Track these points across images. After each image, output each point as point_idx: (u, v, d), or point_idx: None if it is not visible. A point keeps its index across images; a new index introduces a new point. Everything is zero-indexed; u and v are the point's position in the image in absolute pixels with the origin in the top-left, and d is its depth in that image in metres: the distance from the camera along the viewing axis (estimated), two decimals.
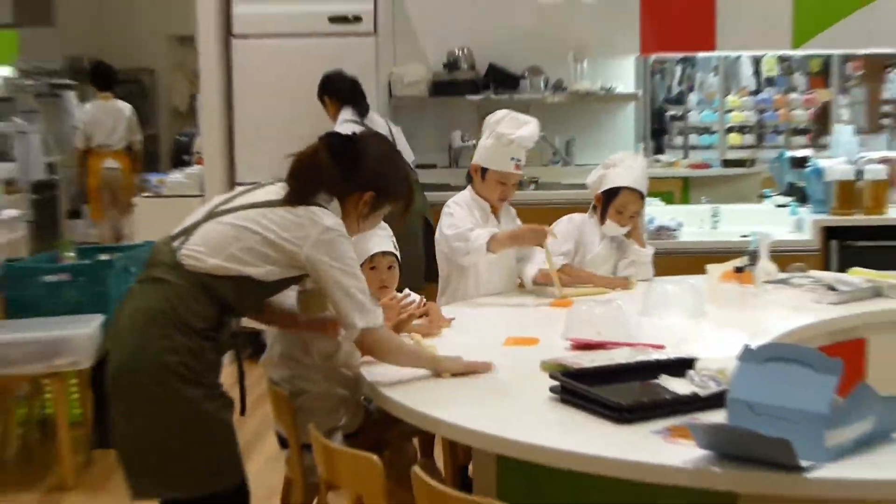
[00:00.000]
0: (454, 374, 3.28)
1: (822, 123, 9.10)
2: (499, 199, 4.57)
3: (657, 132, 8.97)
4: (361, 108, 6.45)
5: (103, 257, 5.64)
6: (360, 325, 3.18)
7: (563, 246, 4.67)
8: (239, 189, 3.39)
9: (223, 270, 3.12)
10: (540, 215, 5.02)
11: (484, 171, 4.50)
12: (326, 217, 3.18)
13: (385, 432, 3.60)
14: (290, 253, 3.14)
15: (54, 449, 5.18)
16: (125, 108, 10.09)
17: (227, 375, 3.27)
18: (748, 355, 2.61)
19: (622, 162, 4.85)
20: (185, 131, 10.40)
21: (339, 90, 6.52)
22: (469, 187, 4.59)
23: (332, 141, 3.36)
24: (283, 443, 3.74)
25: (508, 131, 4.43)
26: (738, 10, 6.60)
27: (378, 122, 6.48)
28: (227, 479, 3.20)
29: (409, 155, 6.51)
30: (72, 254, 5.61)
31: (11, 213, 5.77)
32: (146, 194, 7.56)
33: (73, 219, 10.19)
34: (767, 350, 2.61)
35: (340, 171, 3.28)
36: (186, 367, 3.07)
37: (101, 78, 10.10)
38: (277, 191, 3.24)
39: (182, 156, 9.01)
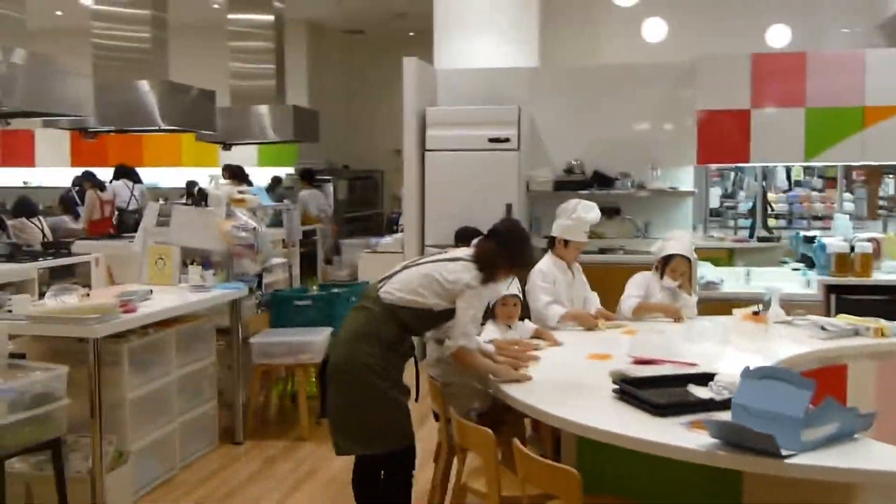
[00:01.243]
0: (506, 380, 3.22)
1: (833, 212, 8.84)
2: (574, 260, 4.51)
3: (715, 215, 8.75)
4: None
5: (336, 290, 5.71)
6: (461, 343, 3.23)
7: (637, 291, 4.57)
8: (427, 253, 3.51)
9: (405, 302, 3.24)
10: (625, 272, 4.92)
11: (566, 242, 4.42)
12: (476, 271, 3.25)
13: (505, 414, 3.51)
14: (451, 291, 3.22)
15: (297, 413, 5.26)
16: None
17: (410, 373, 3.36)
18: (748, 373, 2.50)
19: (675, 236, 4.71)
20: (396, 210, 10.55)
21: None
22: (550, 253, 4.49)
23: (498, 234, 3.37)
24: (437, 417, 3.71)
25: (584, 214, 4.36)
26: (765, 133, 6.38)
27: None
28: (402, 440, 3.27)
29: None
30: (315, 288, 5.70)
31: (280, 260, 5.90)
32: (368, 250, 7.68)
33: (328, 264, 10.43)
34: (762, 371, 2.48)
35: (492, 246, 3.30)
36: (379, 367, 3.19)
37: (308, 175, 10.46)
38: (452, 254, 3.36)
39: (394, 226, 9.12)
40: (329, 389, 3.30)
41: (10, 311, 3.81)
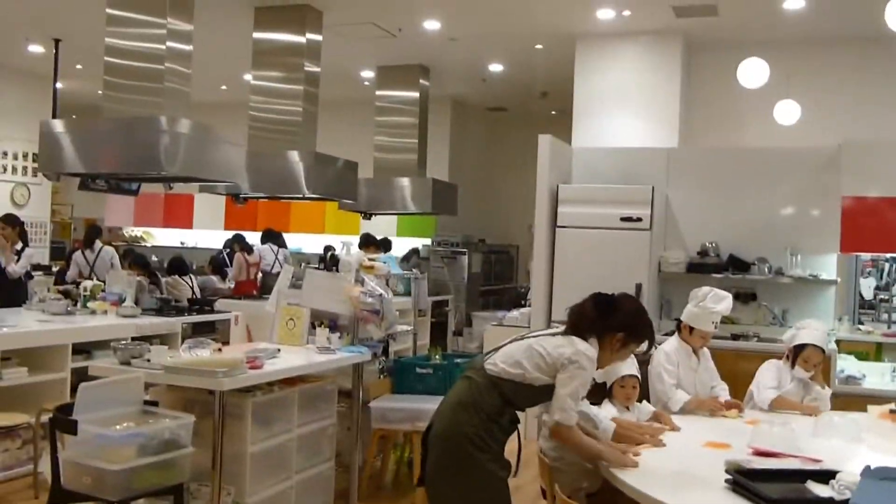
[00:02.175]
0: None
1: None
2: (699, 347, 4.37)
3: (868, 307, 8.27)
4: None
5: (457, 361, 5.74)
6: (557, 417, 3.12)
7: (773, 382, 4.39)
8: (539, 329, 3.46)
9: (507, 375, 3.17)
10: (757, 360, 4.77)
11: (692, 329, 4.30)
12: (581, 344, 3.15)
13: (616, 496, 3.42)
14: (552, 365, 3.13)
15: (412, 480, 5.26)
16: None
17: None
18: (868, 473, 2.35)
19: (810, 326, 4.50)
20: (525, 285, 10.52)
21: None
22: (678, 334, 4.39)
23: (597, 297, 3.30)
24: (543, 494, 3.65)
25: (713, 305, 4.25)
26: None
27: None
28: None
29: None
30: (438, 357, 5.75)
31: (405, 328, 6.00)
32: (495, 323, 7.70)
33: (457, 335, 10.50)
34: (884, 471, 2.33)
35: (600, 317, 3.22)
36: (479, 438, 3.11)
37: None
38: (559, 329, 3.27)
39: (522, 300, 9.12)
40: (428, 456, 3.26)
41: (148, 361, 4.05)
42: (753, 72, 5.79)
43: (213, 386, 3.82)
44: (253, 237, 10.67)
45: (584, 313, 3.24)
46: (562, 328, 3.26)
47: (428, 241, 11.89)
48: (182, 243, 13.44)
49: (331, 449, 4.97)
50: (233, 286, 9.55)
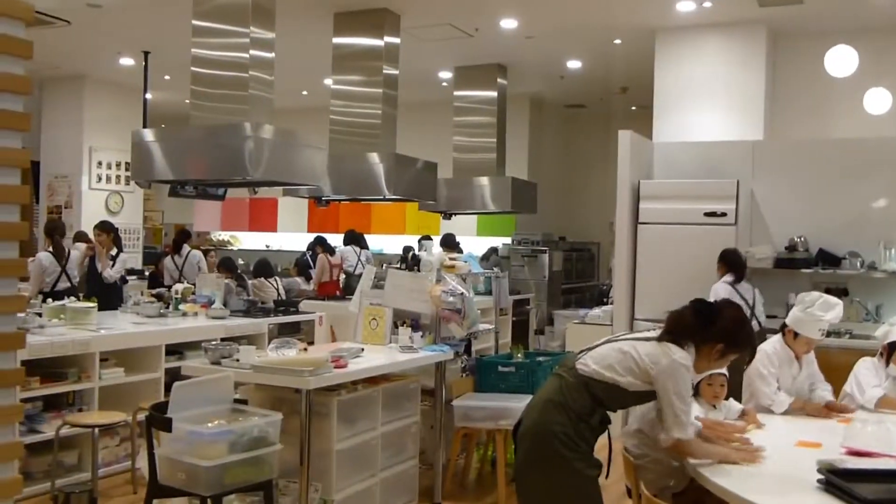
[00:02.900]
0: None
1: None
2: (802, 353, 4.22)
3: None
4: (738, 276, 6.20)
5: (540, 359, 5.72)
6: (676, 435, 3.07)
7: (876, 380, 4.23)
8: (636, 328, 3.43)
9: (599, 376, 3.15)
10: (848, 357, 4.63)
11: (796, 333, 4.15)
12: (677, 352, 3.09)
13: (703, 495, 3.36)
14: (645, 371, 3.09)
15: (495, 478, 5.26)
16: None
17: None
18: None
19: None
20: (606, 282, 10.39)
21: (730, 261, 6.29)
22: (781, 336, 4.24)
23: (697, 304, 3.23)
24: (629, 492, 3.61)
25: (821, 313, 4.05)
26: None
27: (746, 287, 6.20)
28: None
29: (762, 317, 6.16)
30: (520, 355, 5.75)
31: (487, 326, 6.00)
32: (577, 321, 7.64)
33: (539, 334, 10.47)
34: None
35: (700, 325, 3.15)
36: (566, 436, 3.11)
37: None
38: (655, 333, 3.20)
39: (604, 298, 9.03)
40: (517, 453, 3.29)
41: (237, 361, 4.17)
42: (842, 60, 5.59)
43: (300, 384, 3.91)
44: (335, 239, 10.84)
45: (684, 320, 3.16)
46: (657, 331, 3.20)
47: (508, 240, 11.87)
48: (267, 246, 13.75)
49: (414, 447, 5.02)
50: (316, 287, 9.72)
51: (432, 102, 11.34)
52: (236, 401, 3.93)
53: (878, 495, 2.56)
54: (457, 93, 10.09)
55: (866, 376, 4.26)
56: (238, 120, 6.23)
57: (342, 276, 9.75)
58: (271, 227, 13.63)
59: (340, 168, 7.69)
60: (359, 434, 4.47)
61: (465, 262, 5.61)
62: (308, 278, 10.12)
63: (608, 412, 3.22)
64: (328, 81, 8.28)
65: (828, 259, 6.71)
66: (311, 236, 11.12)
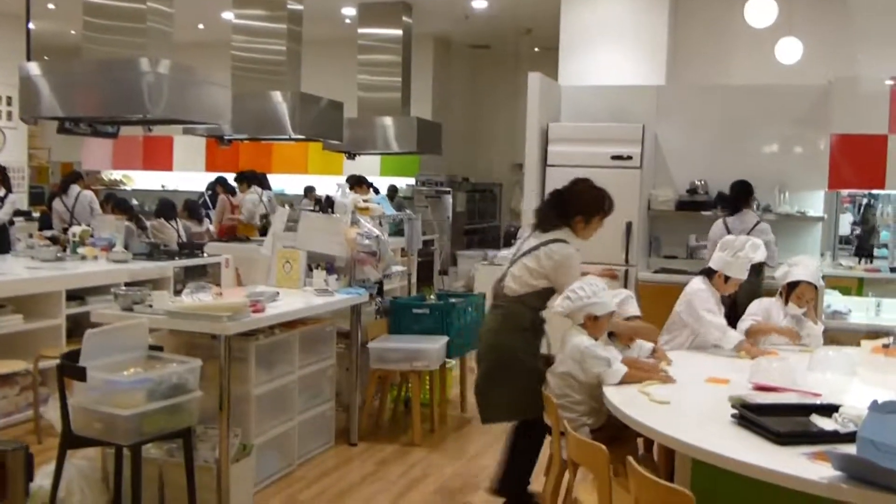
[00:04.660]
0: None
1: None
2: (728, 293, 4.38)
3: (844, 242, 8.34)
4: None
5: (453, 301, 5.78)
6: (558, 304, 3.67)
7: (755, 316, 4.43)
8: (520, 240, 4.12)
9: (525, 289, 3.83)
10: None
11: (727, 277, 4.32)
12: (552, 246, 3.78)
13: (619, 431, 3.50)
14: (543, 270, 3.80)
15: (410, 419, 5.36)
16: None
17: None
18: (876, 407, 2.40)
19: (802, 262, 4.55)
20: (513, 224, 10.55)
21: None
22: (704, 279, 4.36)
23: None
24: (549, 430, 3.73)
25: (751, 254, 4.24)
26: None
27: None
28: (538, 411, 3.67)
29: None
30: (433, 297, 5.80)
31: (400, 268, 6.00)
32: (485, 262, 7.74)
33: (443, 274, 10.55)
34: (890, 405, 2.39)
35: (557, 211, 3.88)
36: (524, 344, 3.84)
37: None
38: (535, 238, 3.87)
39: (511, 239, 9.15)
40: (479, 370, 3.93)
41: (150, 306, 4.05)
42: (761, 10, 5.67)
43: (220, 330, 3.84)
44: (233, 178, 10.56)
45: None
46: (534, 237, 3.88)
47: (411, 181, 11.85)
48: (163, 186, 13.30)
49: (330, 390, 5.03)
50: (216, 229, 9.48)
51: (336, 40, 11.10)
52: (151, 347, 3.83)
53: (788, 428, 2.72)
54: (361, 30, 9.88)
55: (752, 309, 4.46)
56: (136, 54, 5.92)
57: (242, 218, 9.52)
58: (167, 166, 13.18)
59: (242, 106, 7.41)
60: (276, 378, 4.44)
61: (378, 203, 5.58)
62: (199, 220, 9.83)
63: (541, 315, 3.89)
64: (227, 15, 7.97)
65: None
66: (209, 176, 10.81)
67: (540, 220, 3.91)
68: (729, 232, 6.03)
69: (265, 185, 10.41)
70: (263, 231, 8.46)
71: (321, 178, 11.75)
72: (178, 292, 4.50)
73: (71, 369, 3.47)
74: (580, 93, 7.63)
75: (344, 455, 4.98)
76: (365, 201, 5.45)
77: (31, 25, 9.71)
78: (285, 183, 12.28)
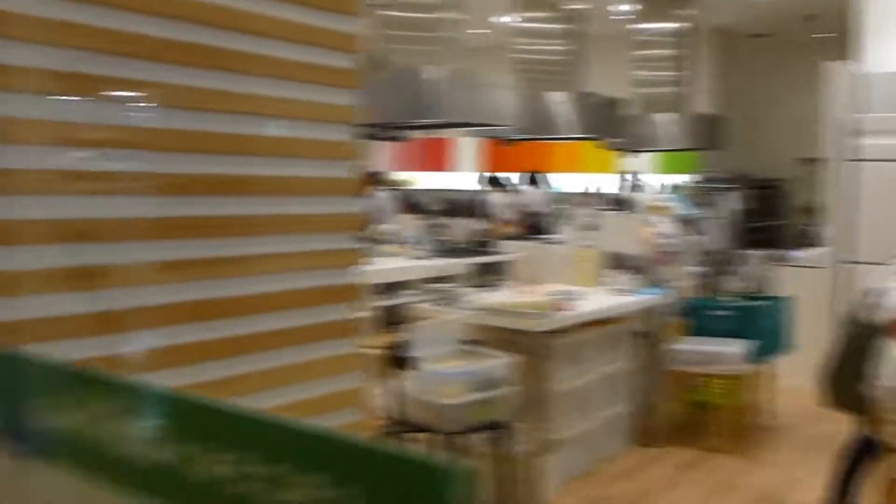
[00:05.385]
0: None
1: None
2: None
3: None
4: None
5: (757, 303, 5.52)
6: None
7: None
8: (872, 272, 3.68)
9: None
10: None
11: None
12: None
13: None
14: None
15: (708, 422, 5.18)
16: None
17: None
18: None
19: None
20: (807, 222, 9.91)
21: None
22: None
23: None
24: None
25: None
26: None
27: None
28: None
29: None
30: (730, 298, 5.58)
31: (696, 269, 5.84)
32: (779, 263, 7.32)
33: (729, 275, 10.11)
34: None
35: None
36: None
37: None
38: None
39: (802, 239, 8.62)
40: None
41: (467, 302, 4.24)
42: None
43: (532, 327, 3.95)
44: (513, 178, 10.82)
45: None
46: None
47: (687, 178, 11.50)
48: (444, 186, 13.88)
49: (628, 390, 5.00)
50: (496, 227, 9.75)
51: (612, 36, 11.01)
52: (467, 342, 4.01)
53: None
54: (638, 25, 9.74)
55: None
56: (424, 61, 6.21)
57: (525, 217, 9.72)
58: (446, 167, 13.73)
59: (524, 107, 7.60)
60: (579, 376, 4.48)
61: (676, 203, 5.47)
62: (481, 218, 10.13)
63: None
64: (506, 19, 8.18)
65: None
66: (487, 176, 11.14)
67: None
68: None
69: (543, 183, 10.58)
70: (539, 230, 8.61)
71: (595, 177, 11.73)
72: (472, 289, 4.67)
73: (401, 358, 3.71)
74: (890, 81, 6.98)
75: (641, 456, 4.93)
76: (662, 200, 5.36)
77: None
78: (562, 182, 12.38)
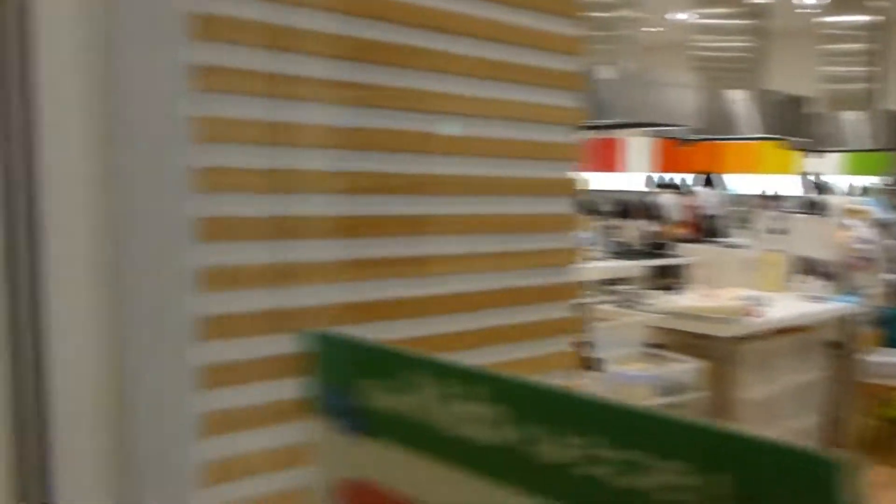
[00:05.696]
0: None
1: None
2: None
3: None
4: None
5: None
6: None
7: None
8: None
9: None
10: None
11: None
12: None
13: None
14: None
15: None
16: None
17: None
18: None
19: None
20: None
21: None
22: None
23: None
24: None
25: None
26: None
27: None
28: None
29: None
30: None
31: (893, 276, 5.50)
32: None
33: None
34: None
35: None
36: None
37: None
38: None
39: None
40: None
41: (650, 304, 4.19)
42: None
43: (722, 332, 3.86)
44: (687, 179, 10.55)
45: None
46: None
47: (876, 180, 10.84)
48: (615, 187, 13.69)
49: (818, 402, 4.78)
50: (671, 229, 9.53)
51: (795, 31, 10.54)
52: (651, 345, 3.97)
53: None
54: (825, 19, 9.26)
55: None
56: (602, 62, 6.16)
57: (700, 218, 9.46)
58: (616, 167, 13.54)
59: (702, 106, 7.40)
60: (766, 385, 4.33)
61: (872, 206, 5.18)
62: (652, 220, 9.92)
63: None
64: (682, 16, 7.98)
65: None
66: (657, 176, 10.92)
67: None
68: None
69: (718, 185, 10.26)
70: (713, 233, 8.35)
71: (773, 178, 11.26)
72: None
73: (587, 359, 3.72)
74: None
75: None
76: (857, 203, 5.09)
77: None
78: (737, 183, 11.96)
